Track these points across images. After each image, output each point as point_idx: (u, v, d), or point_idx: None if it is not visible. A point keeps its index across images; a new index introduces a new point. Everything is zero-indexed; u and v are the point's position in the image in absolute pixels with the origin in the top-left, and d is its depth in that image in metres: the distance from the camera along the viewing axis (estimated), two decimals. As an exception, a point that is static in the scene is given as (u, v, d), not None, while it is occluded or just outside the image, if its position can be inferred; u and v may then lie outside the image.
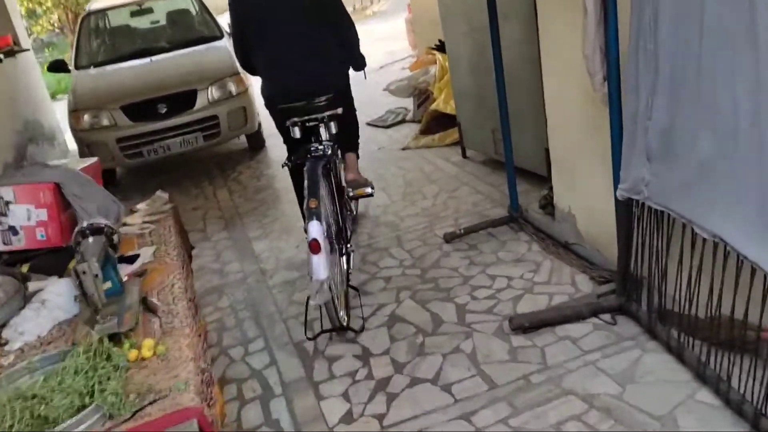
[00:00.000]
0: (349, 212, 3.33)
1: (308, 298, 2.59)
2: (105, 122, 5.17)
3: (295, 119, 2.87)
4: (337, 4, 3.32)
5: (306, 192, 2.59)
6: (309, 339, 2.76)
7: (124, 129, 5.15)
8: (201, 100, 5.27)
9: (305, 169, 2.72)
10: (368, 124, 6.07)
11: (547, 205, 3.56)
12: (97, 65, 5.77)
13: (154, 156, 5.23)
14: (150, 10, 6.48)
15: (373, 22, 14.15)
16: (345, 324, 2.71)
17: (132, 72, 5.59)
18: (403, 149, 5.18)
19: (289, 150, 3.30)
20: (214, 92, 5.33)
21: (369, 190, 3.43)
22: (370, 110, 6.52)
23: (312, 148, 2.85)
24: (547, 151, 3.50)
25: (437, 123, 5.34)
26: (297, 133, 2.89)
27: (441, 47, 5.96)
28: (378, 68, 8.61)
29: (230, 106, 5.37)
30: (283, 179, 5.04)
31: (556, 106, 3.11)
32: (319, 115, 2.86)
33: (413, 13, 7.94)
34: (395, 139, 5.53)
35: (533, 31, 3.32)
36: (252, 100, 5.61)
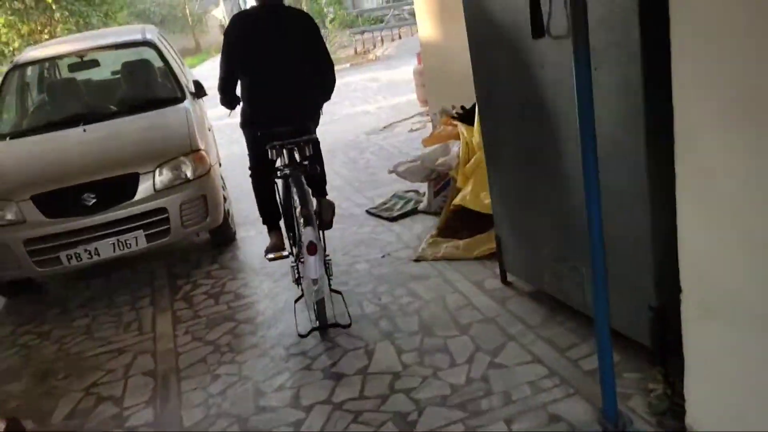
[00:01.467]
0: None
1: (296, 300, 3.30)
2: (9, 217, 3.80)
3: (276, 143, 3.12)
4: (323, 46, 3.61)
5: (298, 201, 3.01)
6: (301, 336, 3.05)
7: (36, 227, 3.77)
8: (144, 188, 3.91)
9: (292, 180, 3.10)
10: (369, 212, 4.70)
11: (666, 411, 2.15)
12: (14, 136, 4.42)
13: (77, 263, 3.84)
14: (94, 63, 5.18)
15: (376, 68, 12.95)
16: (334, 321, 3.09)
17: (56, 146, 4.25)
18: (417, 260, 3.78)
19: (257, 166, 3.62)
20: (163, 176, 3.97)
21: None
22: (371, 192, 5.16)
23: (299, 161, 3.15)
24: (656, 310, 2.12)
25: (462, 221, 3.97)
26: (275, 155, 3.18)
27: (466, 116, 4.63)
28: (381, 128, 7.30)
29: (185, 196, 4.00)
30: (253, 302, 3.65)
31: (702, 221, 1.74)
32: (300, 139, 3.13)
33: (425, 65, 6.65)
34: (405, 239, 4.14)
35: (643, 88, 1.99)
36: (215, 184, 4.25)
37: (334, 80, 3.70)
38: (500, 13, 2.70)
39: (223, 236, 4.49)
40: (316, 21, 4.04)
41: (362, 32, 15.94)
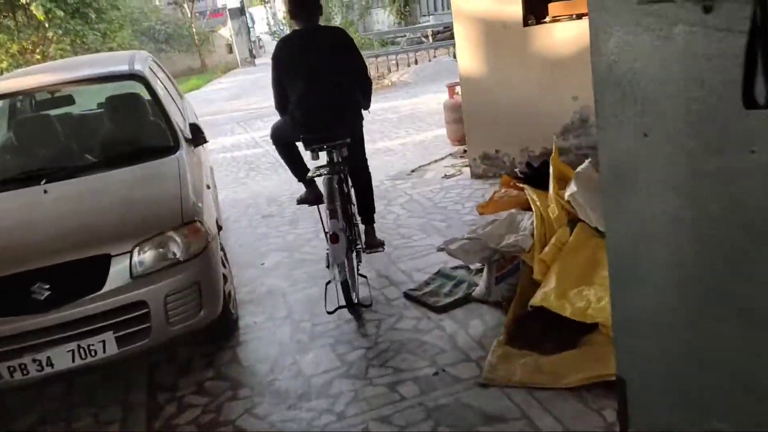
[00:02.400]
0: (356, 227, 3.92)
1: (327, 283, 3.56)
2: (-71, 316, 2.81)
3: (317, 145, 3.58)
4: (359, 55, 4.10)
5: (326, 198, 3.49)
6: (329, 312, 3.47)
7: (-34, 330, 2.78)
8: (117, 274, 2.91)
9: (324, 180, 3.54)
10: (408, 296, 3.68)
11: None
12: (-46, 195, 3.45)
13: (23, 377, 2.83)
14: (67, 100, 4.22)
15: (394, 96, 12.00)
16: (357, 301, 3.48)
17: (2, 214, 3.25)
18: (485, 384, 2.76)
19: (280, 135, 4.25)
20: (143, 258, 2.97)
21: (381, 249, 4.21)
22: (408, 263, 4.16)
23: (332, 161, 3.63)
24: None
25: (542, 325, 2.97)
26: (318, 156, 3.68)
27: (535, 177, 3.64)
28: (409, 173, 6.31)
29: (172, 284, 2.99)
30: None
31: None
32: (338, 142, 3.57)
33: (464, 101, 5.66)
34: (461, 344, 3.11)
35: None
36: (214, 264, 3.25)
37: (371, 84, 4.31)
38: (676, 70, 1.69)
39: (222, 329, 3.47)
40: None
41: (376, 56, 15.04)
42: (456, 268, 3.84)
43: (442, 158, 6.62)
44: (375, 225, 4.36)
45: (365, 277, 3.80)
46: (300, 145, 3.89)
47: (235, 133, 10.56)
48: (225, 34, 26.52)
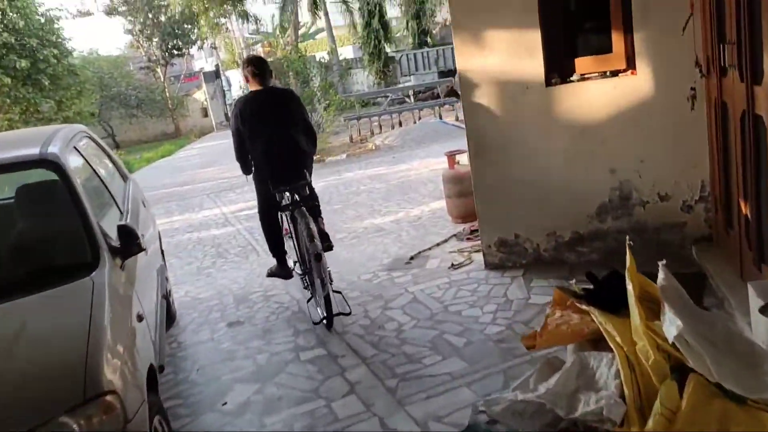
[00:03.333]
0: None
1: (308, 300, 4.40)
2: None
3: (284, 187, 4.33)
4: (305, 112, 4.80)
5: (304, 226, 4.14)
6: (315, 323, 4.13)
7: None
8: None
9: (298, 213, 4.25)
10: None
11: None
12: None
13: None
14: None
15: (379, 161, 11.06)
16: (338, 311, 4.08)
17: None
18: None
19: (264, 205, 4.71)
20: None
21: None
22: (418, 404, 3.02)
23: (301, 200, 4.32)
24: None
25: None
26: (285, 197, 4.41)
27: (601, 295, 2.59)
28: (407, 261, 5.24)
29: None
30: None
31: None
32: (301, 183, 4.33)
33: (476, 173, 4.62)
34: None
35: None
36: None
37: (316, 134, 4.78)
38: None
39: None
40: (307, 106, 5.57)
41: (358, 118, 14.23)
42: (494, 422, 2.72)
43: (445, 240, 5.57)
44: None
45: (340, 292, 4.42)
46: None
47: (205, 207, 9.47)
48: (200, 98, 25.79)
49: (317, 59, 20.43)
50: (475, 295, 4.28)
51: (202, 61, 47.56)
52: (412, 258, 5.27)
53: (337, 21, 28.40)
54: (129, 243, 2.86)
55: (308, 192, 4.38)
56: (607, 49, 4.20)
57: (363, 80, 24.93)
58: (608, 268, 2.84)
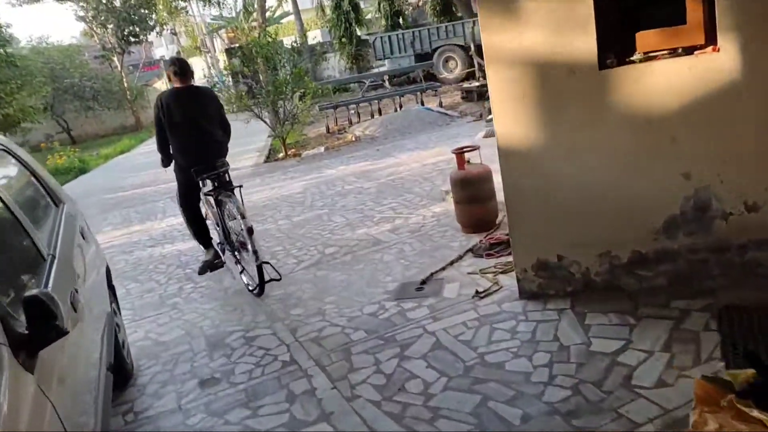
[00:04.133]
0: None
1: (240, 272, 4.99)
2: None
3: (206, 174, 4.84)
4: (222, 108, 5.29)
5: (234, 207, 4.68)
6: (250, 290, 4.74)
7: None
8: None
9: (225, 195, 4.84)
10: None
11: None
12: None
13: None
14: None
15: (362, 156, 10.06)
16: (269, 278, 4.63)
17: None
18: None
19: (187, 194, 5.12)
20: None
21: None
22: None
23: (224, 184, 4.89)
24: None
25: None
26: (208, 183, 4.94)
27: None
28: (417, 286, 4.30)
29: None
30: None
31: None
32: (222, 170, 4.87)
33: (508, 184, 3.68)
34: None
35: None
36: None
37: (230, 127, 5.26)
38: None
39: None
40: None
41: (335, 107, 13.18)
42: None
43: (460, 257, 4.64)
44: None
45: (269, 263, 4.78)
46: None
47: (169, 213, 8.37)
48: (161, 88, 24.32)
49: (285, 45, 19.25)
50: (517, 338, 3.36)
51: (163, 48, 45.63)
52: (423, 282, 4.33)
53: (304, 3, 27.14)
54: (42, 326, 1.86)
55: (228, 178, 4.92)
56: (679, 19, 3.27)
57: (334, 65, 23.79)
58: (680, 297, 1.93)
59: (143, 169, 13.26)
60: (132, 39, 24.25)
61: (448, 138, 9.92)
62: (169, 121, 4.84)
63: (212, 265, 5.23)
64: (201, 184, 4.94)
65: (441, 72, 18.52)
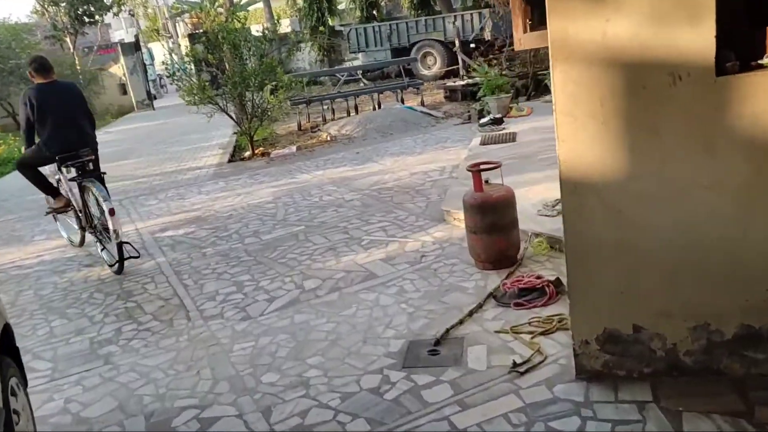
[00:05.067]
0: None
1: (101, 250, 5.45)
2: None
3: (71, 162, 5.34)
4: (87, 107, 5.84)
5: (98, 192, 5.12)
6: (110, 266, 5.20)
7: None
8: None
9: (91, 182, 5.27)
10: None
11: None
12: None
13: None
14: None
15: (340, 159, 8.98)
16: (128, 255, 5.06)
17: None
18: None
19: (34, 165, 5.79)
20: None
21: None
22: None
23: (88, 171, 5.37)
24: None
25: None
26: (72, 170, 5.43)
27: None
28: (431, 347, 3.29)
29: None
30: None
31: None
32: (87, 158, 5.34)
33: (571, 223, 2.72)
34: None
35: None
36: None
37: (94, 118, 6.08)
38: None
39: None
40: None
41: (308, 102, 12.05)
42: None
43: (480, 306, 3.65)
44: None
45: (128, 243, 5.24)
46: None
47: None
48: (117, 73, 22.73)
49: (253, 32, 17.96)
50: (588, 448, 2.39)
51: (122, 31, 43.47)
52: (438, 342, 3.32)
53: (274, -10, 25.85)
54: None
55: (92, 166, 5.38)
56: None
57: (304, 57, 22.56)
58: None
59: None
60: (87, 19, 22.55)
61: (436, 142, 8.94)
62: (38, 115, 5.38)
63: (61, 209, 5.98)
64: (65, 171, 5.54)
65: (419, 68, 17.53)
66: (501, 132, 8.20)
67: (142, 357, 3.69)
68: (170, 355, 3.66)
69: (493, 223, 4.06)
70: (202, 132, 13.05)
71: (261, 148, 10.41)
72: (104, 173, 5.57)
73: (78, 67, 21.44)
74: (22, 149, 5.90)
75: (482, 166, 4.19)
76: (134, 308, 4.45)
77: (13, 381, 2.60)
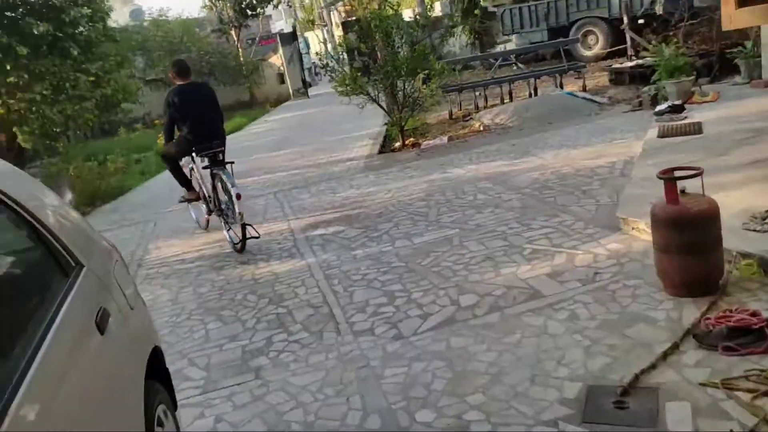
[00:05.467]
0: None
1: (227, 231, 6.15)
2: None
3: (206, 152, 6.02)
4: (219, 105, 6.47)
5: (227, 180, 5.77)
6: (235, 245, 5.94)
7: None
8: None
9: (221, 170, 5.97)
10: None
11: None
12: None
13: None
14: None
15: (494, 152, 8.45)
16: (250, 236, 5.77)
17: None
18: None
19: (176, 158, 6.60)
20: None
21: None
22: None
23: (219, 161, 6.04)
24: None
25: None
26: (205, 160, 6.10)
27: None
28: (617, 398, 2.74)
29: None
30: None
31: None
32: (218, 150, 6.04)
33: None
34: None
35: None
36: None
37: (224, 116, 6.66)
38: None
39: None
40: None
41: (459, 89, 11.59)
42: None
43: (676, 346, 3.01)
44: None
45: (251, 225, 5.82)
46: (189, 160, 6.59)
47: (269, 215, 7.24)
48: (276, 63, 23.74)
49: (405, 18, 17.76)
50: None
51: (281, 22, 45.68)
52: (625, 392, 2.77)
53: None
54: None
55: (221, 157, 6.03)
56: None
57: (454, 42, 22.03)
58: None
59: (249, 153, 12.40)
60: (249, 12, 23.77)
61: (603, 132, 8.09)
62: (179, 112, 6.09)
63: (192, 199, 6.84)
64: (200, 160, 6.20)
65: (578, 49, 16.29)
66: (682, 122, 7.18)
67: (292, 374, 3.51)
68: (319, 375, 3.45)
69: (692, 242, 3.38)
70: (353, 121, 13.08)
71: (411, 139, 10.14)
72: (232, 162, 6.11)
73: (241, 59, 22.64)
74: (162, 142, 6.86)
75: (677, 173, 3.50)
76: (285, 315, 4.33)
77: (161, 408, 2.48)
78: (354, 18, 16.98)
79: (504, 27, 18.39)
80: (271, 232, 6.44)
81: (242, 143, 14.31)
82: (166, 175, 8.85)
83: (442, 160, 8.37)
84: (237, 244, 5.85)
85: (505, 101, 11.40)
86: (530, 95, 11.43)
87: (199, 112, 6.05)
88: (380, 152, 9.82)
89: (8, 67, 7.36)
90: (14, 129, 7.75)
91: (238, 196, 5.60)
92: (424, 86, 9.19)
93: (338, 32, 30.27)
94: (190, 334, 4.31)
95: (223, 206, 6.12)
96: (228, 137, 16.32)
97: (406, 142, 9.90)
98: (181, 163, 6.64)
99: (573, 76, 12.22)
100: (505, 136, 9.19)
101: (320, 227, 6.27)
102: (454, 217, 5.76)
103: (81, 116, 7.90)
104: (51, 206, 2.34)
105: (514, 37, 18.49)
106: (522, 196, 6.01)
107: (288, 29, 29.58)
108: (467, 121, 10.99)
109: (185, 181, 6.73)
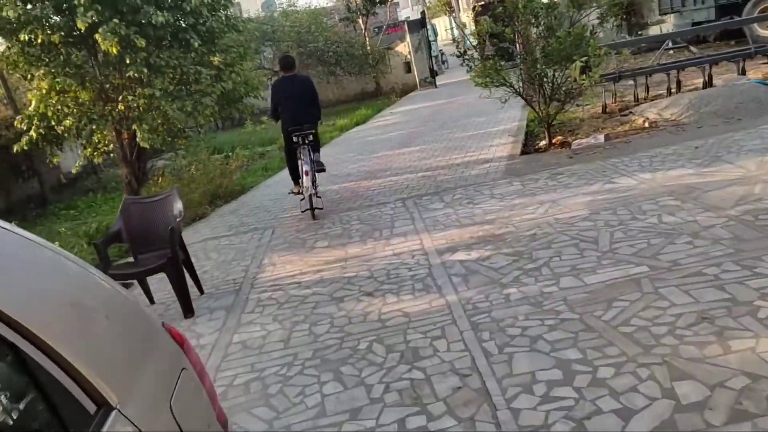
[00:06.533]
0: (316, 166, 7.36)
1: (301, 200, 7.39)
2: None
3: (297, 133, 7.26)
4: (317, 97, 7.66)
5: (304, 156, 7.21)
6: (303, 212, 7.29)
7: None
8: None
9: (302, 147, 7.28)
10: None
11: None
12: None
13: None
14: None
15: (670, 157, 6.92)
16: (316, 206, 7.17)
17: None
18: None
19: (288, 150, 7.67)
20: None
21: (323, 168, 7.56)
22: None
23: (307, 142, 7.27)
24: None
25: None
26: (299, 139, 7.27)
27: None
28: None
29: None
30: None
31: None
32: (307, 131, 7.27)
33: None
34: None
35: None
36: None
37: (320, 107, 7.73)
38: None
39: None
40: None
41: (617, 77, 9.99)
42: None
43: None
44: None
45: (320, 197, 7.38)
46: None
47: (397, 228, 6.26)
48: (402, 51, 22.84)
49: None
50: None
51: (408, 10, 44.84)
52: None
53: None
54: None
55: (312, 138, 7.31)
56: None
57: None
58: None
59: (375, 149, 11.53)
60: (377, 0, 23.06)
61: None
62: (281, 99, 7.42)
63: (297, 193, 7.60)
64: (294, 138, 7.30)
65: (755, 29, 13.85)
66: None
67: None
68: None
69: None
70: (488, 114, 11.84)
71: (559, 137, 8.76)
72: (323, 170, 7.51)
73: (368, 48, 21.98)
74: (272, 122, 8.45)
75: None
76: (422, 383, 3.31)
77: None
78: (490, 1, 15.61)
79: (661, 4, 16.17)
80: (401, 253, 5.45)
81: (366, 138, 13.51)
82: (287, 174, 8.22)
83: (602, 165, 6.96)
84: (305, 211, 7.21)
85: (671, 92, 9.65)
86: (704, 85, 9.59)
87: (295, 101, 7.34)
88: (523, 152, 8.53)
89: (127, 61, 6.90)
90: (134, 126, 7.29)
91: (306, 173, 7.01)
92: (583, 76, 7.78)
93: (465, 17, 28.82)
94: (301, 399, 3.41)
95: (301, 175, 7.36)
96: (351, 131, 15.62)
97: (554, 141, 8.54)
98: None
99: (760, 62, 10.16)
100: (680, 135, 7.57)
101: (460, 250, 5.19)
102: (636, 248, 4.45)
103: (201, 113, 7.29)
104: (62, 301, 1.43)
105: (672, 16, 16.23)
106: (729, 221, 4.56)
107: (415, 16, 28.56)
108: (625, 115, 9.39)
109: (294, 174, 7.69)
